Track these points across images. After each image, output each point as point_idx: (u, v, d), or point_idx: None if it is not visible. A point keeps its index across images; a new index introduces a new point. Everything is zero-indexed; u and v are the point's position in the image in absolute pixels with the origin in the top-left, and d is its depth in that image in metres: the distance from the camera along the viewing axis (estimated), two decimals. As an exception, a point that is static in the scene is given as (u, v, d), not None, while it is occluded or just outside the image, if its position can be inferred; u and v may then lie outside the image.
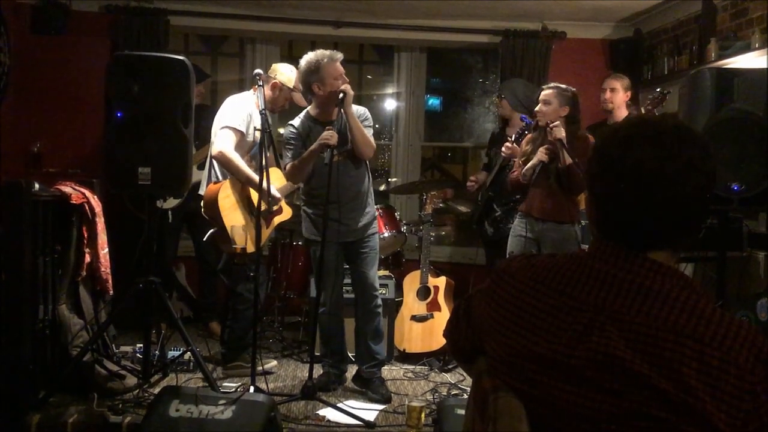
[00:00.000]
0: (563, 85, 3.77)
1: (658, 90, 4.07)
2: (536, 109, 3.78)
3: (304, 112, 3.76)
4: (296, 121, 3.73)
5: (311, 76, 3.57)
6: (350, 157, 3.65)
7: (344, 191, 3.59)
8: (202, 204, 3.84)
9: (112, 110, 3.32)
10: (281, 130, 4.62)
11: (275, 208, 3.89)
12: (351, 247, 3.75)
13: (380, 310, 3.85)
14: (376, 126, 3.87)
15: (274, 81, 3.95)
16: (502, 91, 4.90)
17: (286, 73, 3.99)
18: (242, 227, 3.69)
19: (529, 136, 3.95)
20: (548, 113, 3.71)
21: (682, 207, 1.11)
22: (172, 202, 4.48)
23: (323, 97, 3.59)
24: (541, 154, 3.69)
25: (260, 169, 3.45)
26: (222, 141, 3.77)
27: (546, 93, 3.75)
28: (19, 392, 3.12)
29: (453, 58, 6.42)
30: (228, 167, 3.77)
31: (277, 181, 3.89)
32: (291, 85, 3.97)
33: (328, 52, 3.60)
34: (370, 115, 3.74)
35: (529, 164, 3.74)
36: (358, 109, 3.68)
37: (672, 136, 1.12)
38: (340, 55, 3.62)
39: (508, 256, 3.97)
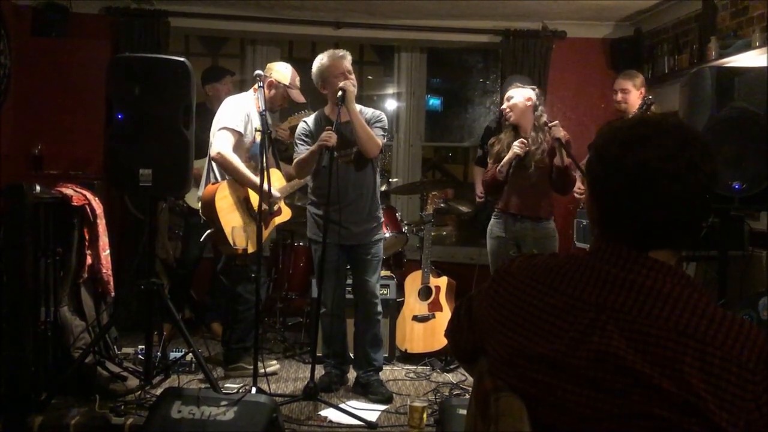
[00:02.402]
0: (525, 85, 3.97)
1: (643, 98, 4.17)
2: (502, 106, 3.91)
3: (322, 108, 3.77)
4: (310, 117, 3.76)
5: (317, 79, 3.64)
6: (357, 159, 3.63)
7: (345, 193, 3.58)
8: (200, 205, 3.84)
9: (112, 112, 3.32)
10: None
11: (275, 209, 3.90)
12: (353, 252, 3.74)
13: (380, 317, 3.83)
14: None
15: (269, 79, 3.94)
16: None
17: (281, 71, 3.98)
18: (241, 228, 3.69)
19: (496, 136, 4.00)
20: (514, 108, 3.82)
21: (683, 206, 1.11)
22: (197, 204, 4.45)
23: (330, 97, 3.61)
24: (516, 148, 3.74)
25: (261, 171, 3.45)
26: (220, 142, 3.76)
27: (511, 93, 3.88)
28: (21, 394, 3.12)
29: (453, 58, 6.43)
30: (226, 169, 3.77)
31: (276, 182, 3.89)
32: (286, 82, 3.95)
33: (329, 51, 3.65)
34: (384, 118, 3.72)
35: (505, 160, 3.78)
36: (373, 113, 3.69)
37: (673, 136, 1.12)
38: (341, 53, 3.63)
39: (490, 258, 3.99)
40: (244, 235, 3.69)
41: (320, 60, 3.62)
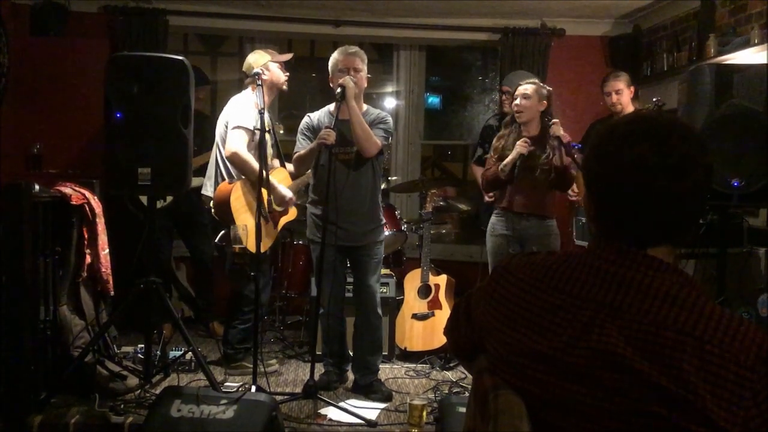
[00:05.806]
0: (539, 82, 3.86)
1: (655, 100, 4.12)
2: (516, 103, 3.80)
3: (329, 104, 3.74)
4: (315, 112, 3.74)
5: (330, 72, 3.63)
6: (357, 158, 3.60)
7: (341, 192, 3.55)
8: (212, 204, 3.82)
9: (111, 111, 3.32)
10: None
11: (281, 208, 3.90)
12: (352, 253, 3.71)
13: (379, 321, 3.81)
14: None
15: (260, 71, 3.87)
16: (509, 86, 4.77)
17: (257, 56, 3.93)
18: (251, 228, 3.68)
19: (501, 132, 3.95)
20: (529, 108, 3.74)
21: (681, 201, 1.11)
22: (158, 204, 4.45)
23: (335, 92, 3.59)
24: (520, 147, 3.69)
25: (260, 170, 3.45)
26: (235, 141, 3.71)
27: (526, 88, 3.78)
28: (20, 393, 3.12)
29: (452, 56, 6.41)
30: (241, 168, 3.73)
31: (282, 181, 3.91)
32: (269, 57, 3.91)
33: (343, 47, 3.66)
34: (389, 121, 3.69)
35: (508, 159, 3.73)
36: (379, 114, 3.67)
37: (670, 131, 1.12)
38: (352, 49, 3.62)
39: (489, 256, 3.98)
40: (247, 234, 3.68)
41: (333, 54, 3.63)
